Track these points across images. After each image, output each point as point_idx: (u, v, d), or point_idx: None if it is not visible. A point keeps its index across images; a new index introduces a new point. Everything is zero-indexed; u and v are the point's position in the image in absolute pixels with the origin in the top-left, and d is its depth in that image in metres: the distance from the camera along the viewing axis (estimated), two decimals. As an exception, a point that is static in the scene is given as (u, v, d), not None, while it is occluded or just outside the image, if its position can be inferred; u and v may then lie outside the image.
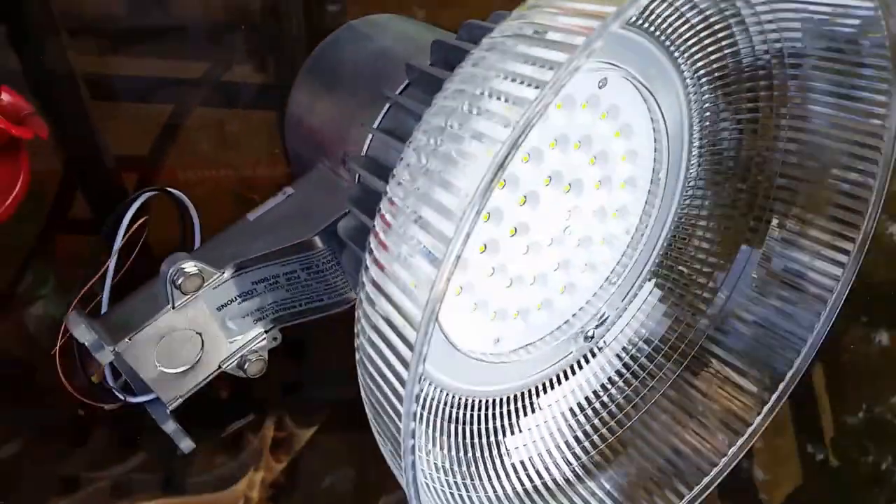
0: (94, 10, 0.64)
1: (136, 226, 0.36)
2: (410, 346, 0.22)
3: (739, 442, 0.40)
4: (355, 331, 0.28)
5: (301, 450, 0.42)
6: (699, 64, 0.37)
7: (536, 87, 0.23)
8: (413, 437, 0.23)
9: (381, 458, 0.40)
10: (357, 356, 0.28)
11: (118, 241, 0.36)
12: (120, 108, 0.58)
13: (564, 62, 0.22)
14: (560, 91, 0.22)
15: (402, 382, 0.24)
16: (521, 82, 0.24)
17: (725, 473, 0.40)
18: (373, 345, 0.26)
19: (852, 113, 0.37)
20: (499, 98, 0.24)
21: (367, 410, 0.28)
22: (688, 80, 0.37)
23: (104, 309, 0.37)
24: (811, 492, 0.50)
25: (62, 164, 0.52)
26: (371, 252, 0.26)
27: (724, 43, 0.37)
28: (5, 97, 0.43)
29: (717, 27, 0.36)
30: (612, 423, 0.42)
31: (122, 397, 0.35)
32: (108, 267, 0.36)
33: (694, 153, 0.40)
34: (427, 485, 0.33)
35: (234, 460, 0.41)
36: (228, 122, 0.57)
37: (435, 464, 0.35)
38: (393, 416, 0.25)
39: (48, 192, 0.49)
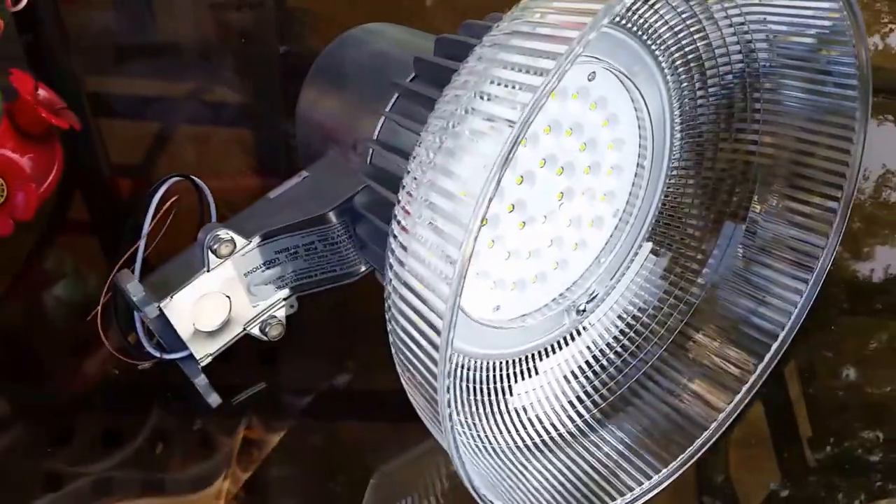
0: (96, 27, 0.68)
1: (167, 204, 0.40)
2: (446, 295, 0.26)
3: (733, 402, 0.43)
4: (385, 293, 0.31)
5: (269, 455, 0.43)
6: (678, 61, 0.41)
7: (540, 75, 0.25)
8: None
9: (351, 464, 0.42)
10: (387, 315, 0.30)
11: (148, 219, 0.39)
12: (114, 122, 0.61)
13: (564, 52, 0.25)
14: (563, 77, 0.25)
15: (438, 330, 0.26)
16: (526, 71, 0.27)
17: (718, 435, 0.43)
18: (405, 301, 0.29)
19: (823, 96, 0.41)
20: (505, 86, 0.27)
21: (398, 367, 0.31)
22: (667, 73, 0.41)
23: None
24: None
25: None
26: (398, 220, 0.30)
27: (700, 43, 0.41)
28: (42, 93, 0.46)
29: (693, 27, 0.40)
30: (608, 387, 0.45)
31: (157, 355, 0.38)
32: (140, 243, 0.39)
33: (676, 139, 0.44)
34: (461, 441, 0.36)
35: (210, 460, 0.42)
36: (210, 139, 0.61)
37: (461, 421, 0.38)
38: (426, 374, 0.28)
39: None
